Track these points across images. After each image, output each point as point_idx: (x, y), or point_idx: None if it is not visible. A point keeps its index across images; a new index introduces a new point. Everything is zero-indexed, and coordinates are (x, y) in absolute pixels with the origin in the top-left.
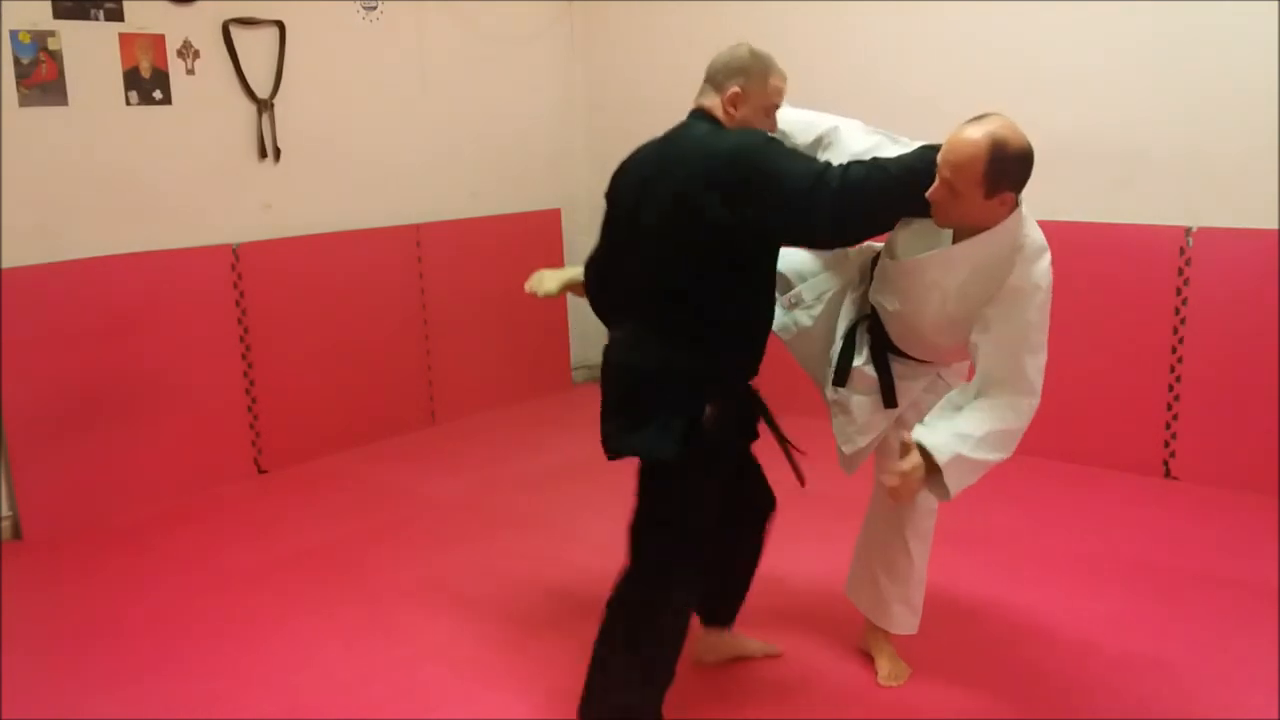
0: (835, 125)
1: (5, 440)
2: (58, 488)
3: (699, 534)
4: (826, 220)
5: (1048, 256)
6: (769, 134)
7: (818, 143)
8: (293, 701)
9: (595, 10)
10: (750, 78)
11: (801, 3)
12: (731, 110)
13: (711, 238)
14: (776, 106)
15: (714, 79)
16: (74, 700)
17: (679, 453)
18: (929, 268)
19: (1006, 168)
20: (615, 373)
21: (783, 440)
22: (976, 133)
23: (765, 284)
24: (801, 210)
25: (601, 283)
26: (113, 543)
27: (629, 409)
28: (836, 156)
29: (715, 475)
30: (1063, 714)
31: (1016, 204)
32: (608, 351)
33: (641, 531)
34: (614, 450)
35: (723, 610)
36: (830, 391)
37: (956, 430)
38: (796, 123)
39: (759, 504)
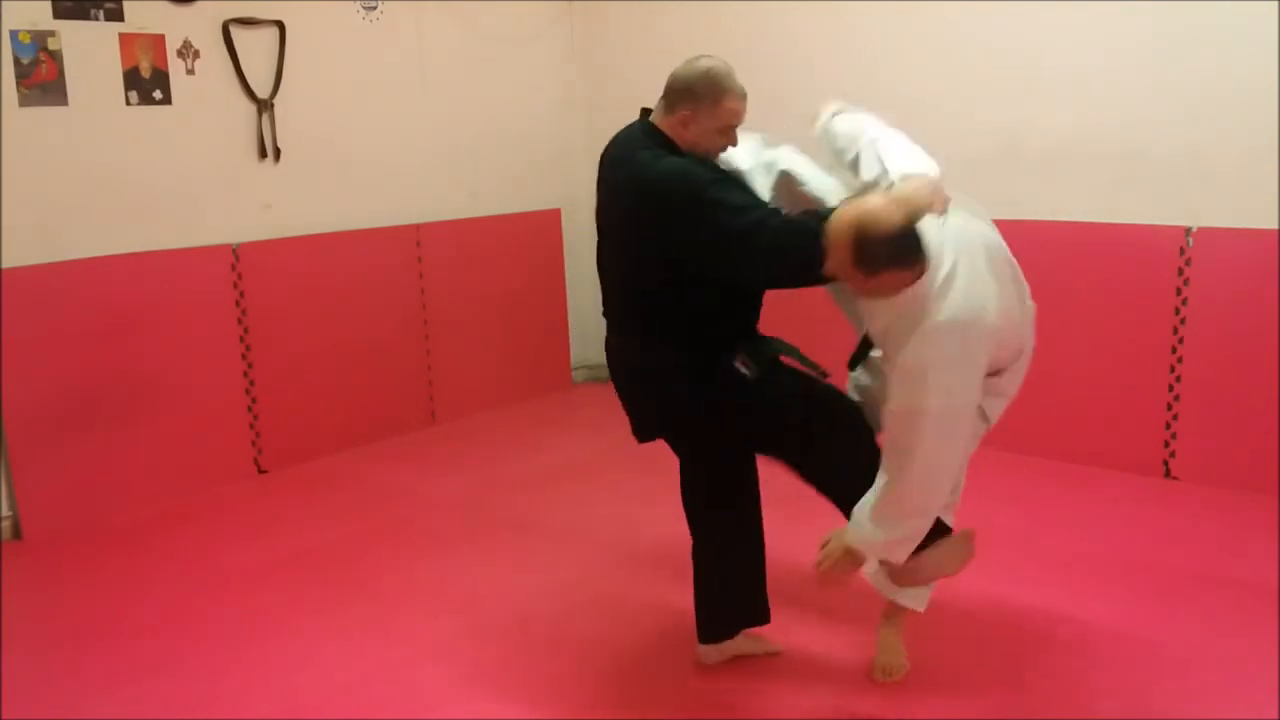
0: (789, 165)
1: (5, 440)
2: (58, 488)
3: (738, 488)
4: (752, 268)
5: (959, 333)
6: (706, 162)
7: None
8: (293, 701)
9: (595, 10)
10: (700, 103)
11: (802, 2)
12: (682, 131)
13: (658, 254)
14: (732, 127)
15: (668, 96)
16: (74, 700)
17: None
18: (868, 315)
19: (875, 251)
20: (620, 374)
21: (810, 365)
22: (846, 215)
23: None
24: (727, 254)
25: (599, 273)
26: (113, 543)
27: (642, 403)
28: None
29: (740, 416)
30: (1063, 714)
31: (916, 276)
32: (607, 346)
33: (691, 504)
34: (641, 439)
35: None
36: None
37: (854, 518)
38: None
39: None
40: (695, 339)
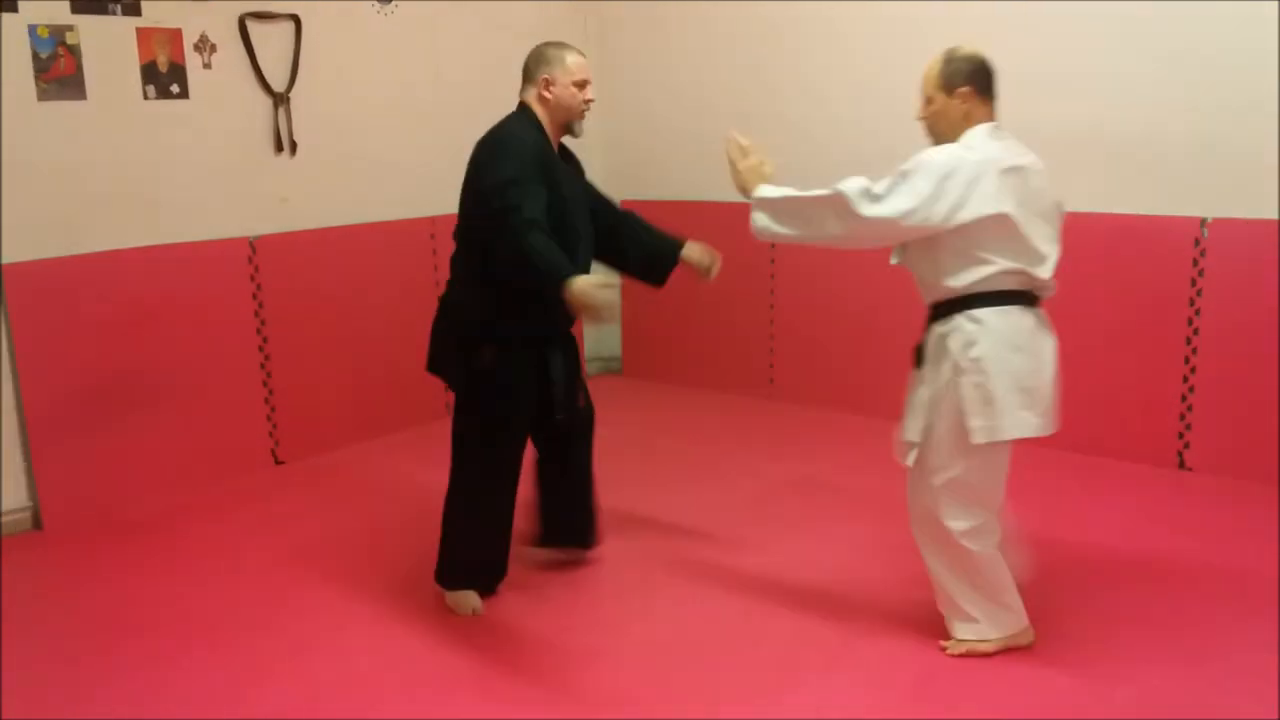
0: None
1: (26, 432)
2: (77, 479)
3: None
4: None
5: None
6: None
7: None
8: (310, 691)
9: (608, 7)
10: (552, 65)
11: (810, 2)
12: (546, 95)
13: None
14: (585, 81)
15: (525, 74)
16: (92, 689)
17: (465, 385)
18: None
19: (955, 68)
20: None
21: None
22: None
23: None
24: (491, 211)
25: None
26: (132, 534)
27: (435, 338)
28: None
29: (506, 413)
30: (1074, 704)
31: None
32: None
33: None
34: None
35: (565, 531)
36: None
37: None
38: None
39: (576, 441)
40: (489, 294)
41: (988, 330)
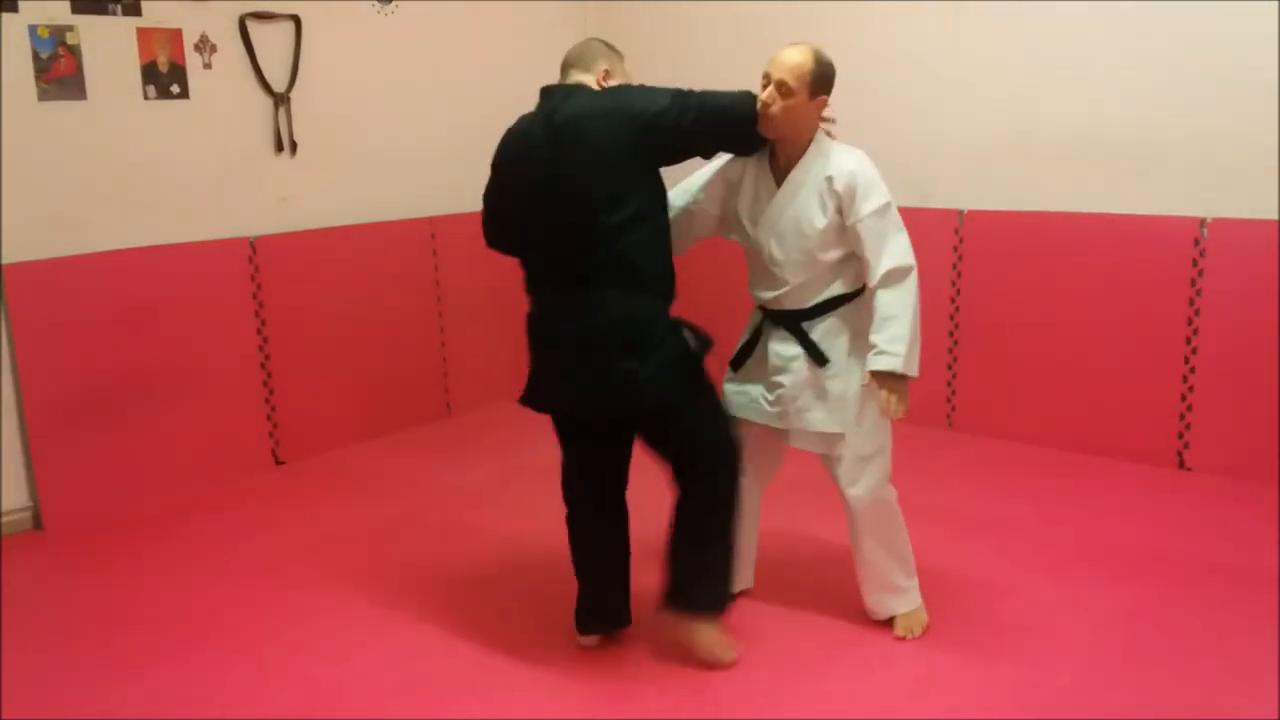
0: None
1: (26, 432)
2: (78, 479)
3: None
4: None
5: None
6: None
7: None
8: (311, 690)
9: (609, 6)
10: (613, 59)
11: (814, 2)
12: (604, 84)
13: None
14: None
15: (581, 61)
16: (93, 689)
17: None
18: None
19: (825, 72)
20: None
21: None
22: (799, 49)
23: None
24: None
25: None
26: (132, 533)
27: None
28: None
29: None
30: (1072, 704)
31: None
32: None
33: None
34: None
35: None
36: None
37: (886, 338)
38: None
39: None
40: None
41: (866, 316)
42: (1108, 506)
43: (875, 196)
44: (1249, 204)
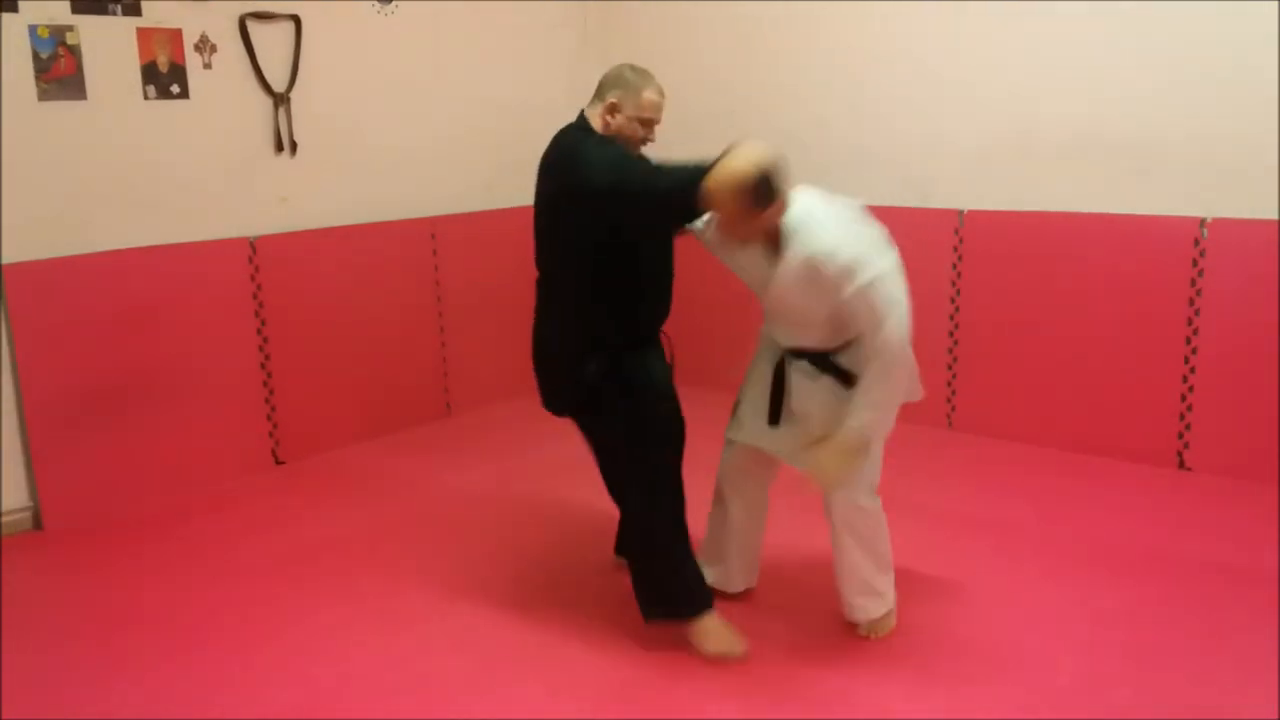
0: None
1: (26, 432)
2: (78, 479)
3: None
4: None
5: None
6: (634, 148)
7: None
8: (311, 691)
9: (609, 5)
10: (626, 89)
11: (815, 2)
12: (608, 117)
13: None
14: (651, 121)
15: (599, 89)
16: (93, 689)
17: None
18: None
19: (768, 187)
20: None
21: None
22: (736, 162)
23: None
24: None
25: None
26: (132, 533)
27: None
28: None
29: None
30: (1073, 704)
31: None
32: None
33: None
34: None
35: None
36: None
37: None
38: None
39: None
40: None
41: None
42: (1108, 506)
43: (863, 272)
44: (1249, 204)
